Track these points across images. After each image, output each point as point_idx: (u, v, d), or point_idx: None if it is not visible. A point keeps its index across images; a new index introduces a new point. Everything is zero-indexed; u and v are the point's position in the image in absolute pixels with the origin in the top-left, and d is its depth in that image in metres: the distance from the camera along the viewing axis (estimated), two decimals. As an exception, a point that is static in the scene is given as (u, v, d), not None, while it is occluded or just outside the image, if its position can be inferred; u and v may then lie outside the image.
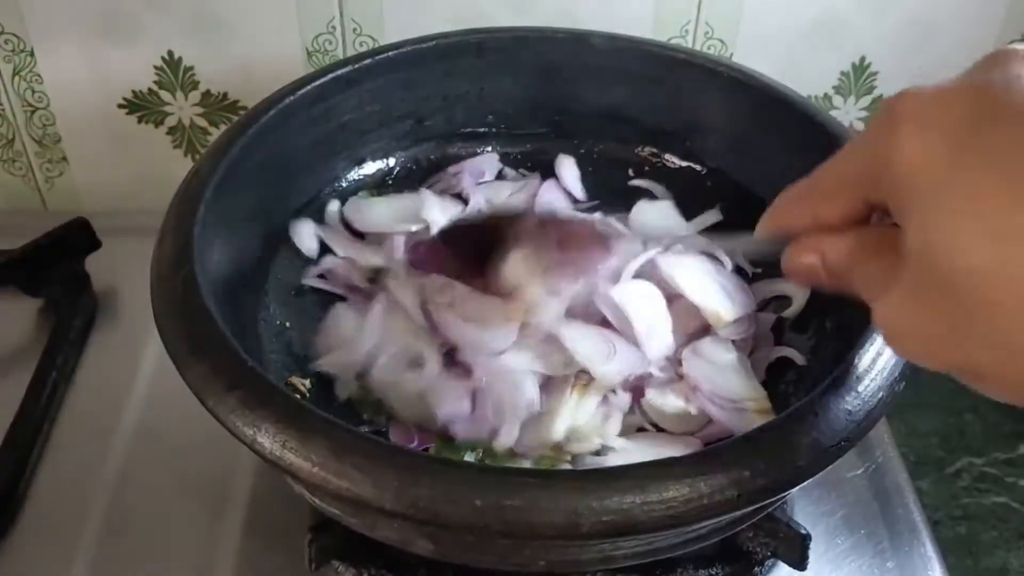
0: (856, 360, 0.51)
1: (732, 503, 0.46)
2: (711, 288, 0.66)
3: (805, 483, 0.48)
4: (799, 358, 0.63)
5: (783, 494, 0.48)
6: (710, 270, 0.67)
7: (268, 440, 0.47)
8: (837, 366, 0.51)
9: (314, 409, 0.49)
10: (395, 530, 0.51)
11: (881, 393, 0.50)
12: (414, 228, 0.71)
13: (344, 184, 0.74)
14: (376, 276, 0.69)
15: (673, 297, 0.66)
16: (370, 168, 0.75)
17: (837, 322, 0.63)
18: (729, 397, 0.61)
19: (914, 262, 0.35)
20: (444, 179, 0.76)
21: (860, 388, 0.50)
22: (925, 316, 0.35)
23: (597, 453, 0.59)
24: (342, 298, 0.68)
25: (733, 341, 0.65)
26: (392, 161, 0.76)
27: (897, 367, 0.51)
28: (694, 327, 0.66)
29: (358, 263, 0.70)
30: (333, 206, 0.73)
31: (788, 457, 0.47)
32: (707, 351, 0.64)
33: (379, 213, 0.72)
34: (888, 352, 0.51)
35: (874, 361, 0.51)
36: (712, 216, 0.73)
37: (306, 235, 0.70)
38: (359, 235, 0.72)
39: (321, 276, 0.70)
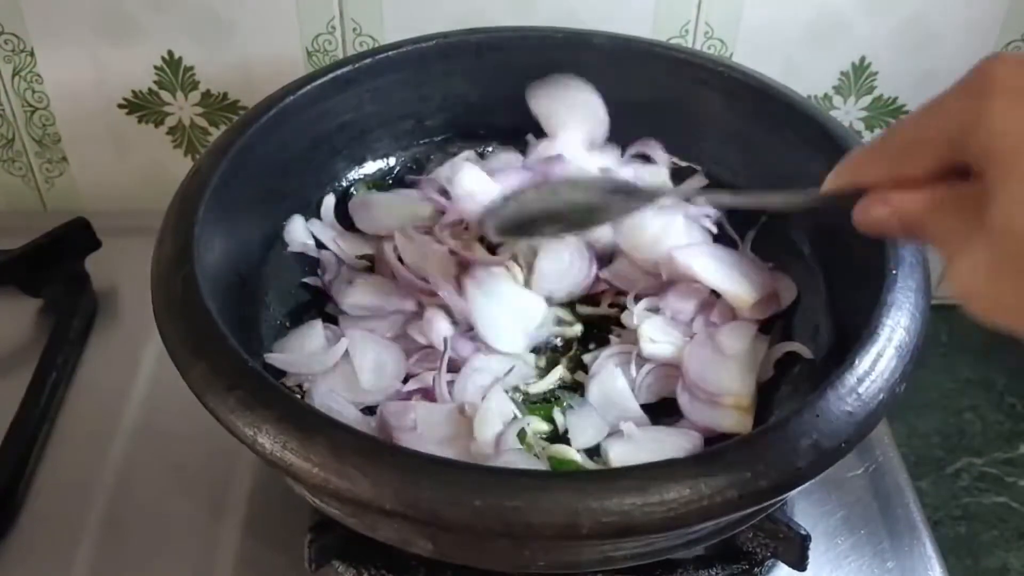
0: (856, 361, 0.51)
1: (732, 504, 0.45)
2: (729, 273, 0.67)
3: (805, 484, 0.48)
4: (806, 352, 0.63)
5: (783, 496, 0.48)
6: (724, 256, 0.68)
7: (268, 440, 0.47)
8: (837, 367, 0.51)
9: (314, 409, 0.49)
10: (395, 530, 0.51)
11: (882, 395, 0.50)
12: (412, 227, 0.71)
13: (344, 184, 0.74)
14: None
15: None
16: (370, 168, 0.75)
17: (838, 323, 0.63)
18: (708, 389, 0.62)
19: (999, 232, 0.35)
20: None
21: (860, 390, 0.50)
22: (1004, 286, 0.35)
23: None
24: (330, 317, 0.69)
25: (760, 328, 0.65)
26: (392, 161, 0.76)
27: (898, 368, 0.51)
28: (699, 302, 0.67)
29: (349, 256, 0.71)
30: (329, 200, 0.73)
31: (788, 459, 0.47)
32: (723, 338, 0.64)
33: (383, 213, 0.72)
34: (889, 353, 0.51)
35: (875, 363, 0.51)
36: (697, 180, 0.74)
37: (298, 232, 0.70)
38: (352, 228, 0.72)
39: (316, 273, 0.70)
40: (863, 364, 0.51)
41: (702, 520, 0.45)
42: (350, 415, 0.60)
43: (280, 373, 0.63)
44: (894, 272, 0.55)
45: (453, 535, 0.47)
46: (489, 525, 0.44)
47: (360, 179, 0.75)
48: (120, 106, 0.88)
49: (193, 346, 0.52)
